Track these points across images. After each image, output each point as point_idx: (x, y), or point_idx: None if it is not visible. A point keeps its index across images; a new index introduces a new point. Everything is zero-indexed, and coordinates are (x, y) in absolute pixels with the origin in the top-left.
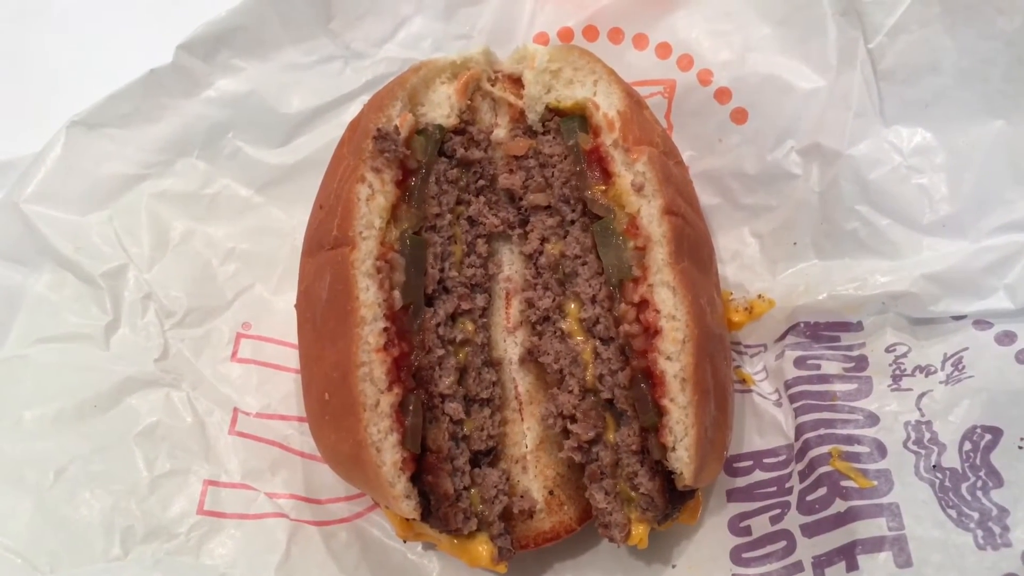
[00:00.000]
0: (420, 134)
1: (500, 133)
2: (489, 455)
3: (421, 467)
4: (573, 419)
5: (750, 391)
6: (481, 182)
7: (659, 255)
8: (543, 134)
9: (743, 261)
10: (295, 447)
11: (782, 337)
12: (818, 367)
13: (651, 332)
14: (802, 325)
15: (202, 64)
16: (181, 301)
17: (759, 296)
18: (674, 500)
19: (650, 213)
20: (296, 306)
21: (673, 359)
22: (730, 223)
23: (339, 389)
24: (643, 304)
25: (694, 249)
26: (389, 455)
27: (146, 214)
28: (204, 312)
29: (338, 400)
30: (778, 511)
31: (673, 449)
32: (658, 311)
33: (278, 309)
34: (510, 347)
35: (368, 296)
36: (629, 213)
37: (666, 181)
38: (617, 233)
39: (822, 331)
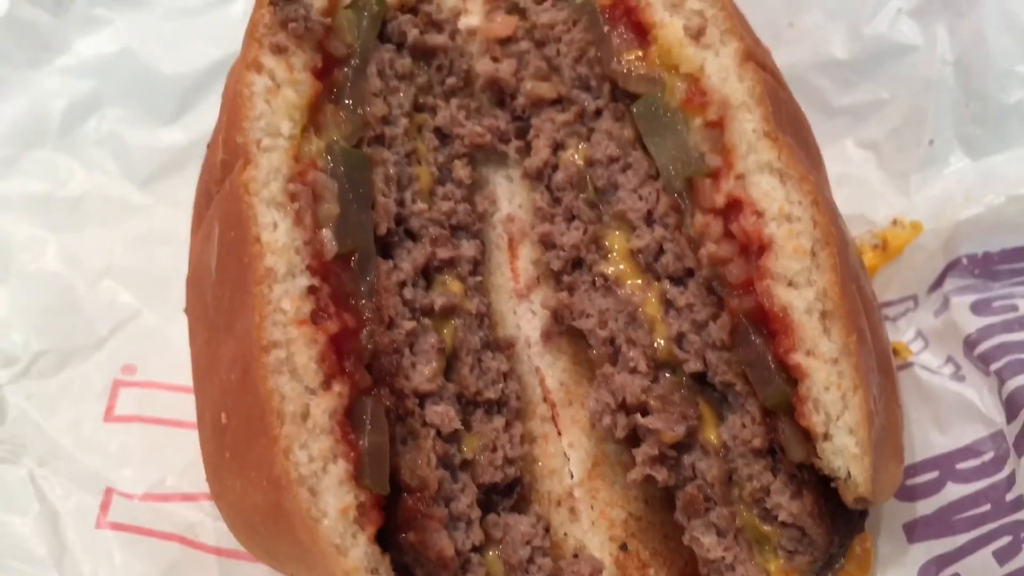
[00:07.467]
0: (350, 8)
1: (471, 20)
2: (511, 492)
3: (395, 518)
4: (644, 410)
5: (908, 366)
6: (451, 80)
7: (748, 123)
8: (537, 3)
9: (855, 184)
10: (207, 541)
11: (939, 282)
12: (1014, 307)
13: (754, 248)
14: (965, 260)
15: (51, 18)
16: (27, 343)
17: (893, 222)
18: (838, 530)
19: (722, 65)
20: (186, 309)
21: (801, 284)
22: (824, 137)
23: (240, 398)
24: (733, 207)
25: (795, 123)
26: (332, 499)
27: None
28: (62, 355)
29: (240, 418)
30: (1007, 541)
31: (826, 436)
32: (760, 212)
33: (176, 343)
34: (525, 319)
35: (277, 236)
36: (687, 74)
37: (738, 18)
38: (672, 110)
39: (998, 263)
